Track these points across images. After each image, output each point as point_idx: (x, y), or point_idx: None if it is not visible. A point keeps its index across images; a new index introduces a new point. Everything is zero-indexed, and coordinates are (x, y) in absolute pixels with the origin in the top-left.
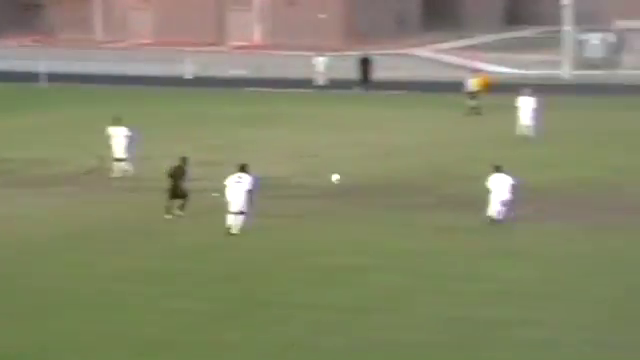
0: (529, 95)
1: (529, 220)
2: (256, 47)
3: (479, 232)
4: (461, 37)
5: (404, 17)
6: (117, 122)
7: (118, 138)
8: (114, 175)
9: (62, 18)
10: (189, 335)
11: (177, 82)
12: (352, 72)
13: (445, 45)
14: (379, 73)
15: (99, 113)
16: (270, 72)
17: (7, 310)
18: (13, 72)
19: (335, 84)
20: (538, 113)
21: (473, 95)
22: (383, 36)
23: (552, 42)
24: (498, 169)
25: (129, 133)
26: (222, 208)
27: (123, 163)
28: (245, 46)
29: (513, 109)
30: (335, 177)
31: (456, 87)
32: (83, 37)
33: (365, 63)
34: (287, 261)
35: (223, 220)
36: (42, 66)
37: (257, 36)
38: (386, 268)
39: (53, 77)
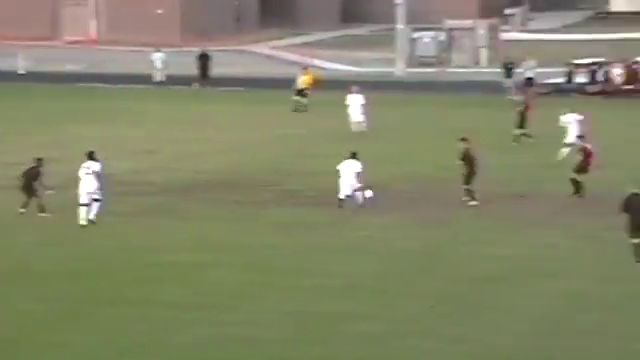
0: (357, 92)
1: (366, 215)
2: (92, 42)
3: (318, 228)
4: (298, 34)
5: (241, 14)
6: None
7: None
8: None
9: None
10: (21, 335)
11: (10, 77)
12: (190, 68)
13: (282, 42)
14: (217, 69)
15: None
16: (107, 68)
17: None
18: None
19: (173, 80)
20: (367, 109)
21: (302, 92)
22: (221, 32)
23: (386, 40)
24: (353, 156)
25: None
26: (62, 205)
27: None
28: (81, 41)
29: (344, 106)
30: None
31: (290, 84)
32: None
33: (203, 59)
34: (128, 258)
35: (64, 217)
36: None
37: (93, 31)
38: (226, 264)
39: None
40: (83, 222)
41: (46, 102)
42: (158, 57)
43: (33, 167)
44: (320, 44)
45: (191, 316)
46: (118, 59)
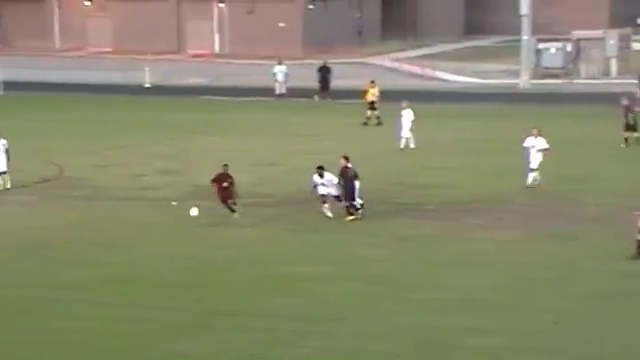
0: (407, 107)
1: (487, 228)
2: (215, 56)
3: (438, 241)
4: (420, 46)
5: (363, 26)
6: None
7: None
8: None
9: (20, 26)
10: (142, 344)
11: (136, 90)
12: (311, 81)
13: (403, 54)
14: (338, 82)
15: (56, 121)
16: (229, 80)
17: None
18: None
19: (294, 93)
20: (416, 125)
21: (372, 105)
22: (343, 45)
23: (510, 52)
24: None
25: (7, 146)
26: (182, 217)
27: (6, 176)
28: (204, 54)
29: (465, 118)
30: (193, 211)
31: (414, 96)
32: (41, 45)
33: (324, 72)
34: (245, 269)
35: (180, 230)
36: None
37: (216, 45)
38: (344, 277)
39: (10, 85)
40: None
41: (169, 114)
42: (279, 70)
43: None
44: (442, 56)
45: (308, 328)
46: (240, 72)
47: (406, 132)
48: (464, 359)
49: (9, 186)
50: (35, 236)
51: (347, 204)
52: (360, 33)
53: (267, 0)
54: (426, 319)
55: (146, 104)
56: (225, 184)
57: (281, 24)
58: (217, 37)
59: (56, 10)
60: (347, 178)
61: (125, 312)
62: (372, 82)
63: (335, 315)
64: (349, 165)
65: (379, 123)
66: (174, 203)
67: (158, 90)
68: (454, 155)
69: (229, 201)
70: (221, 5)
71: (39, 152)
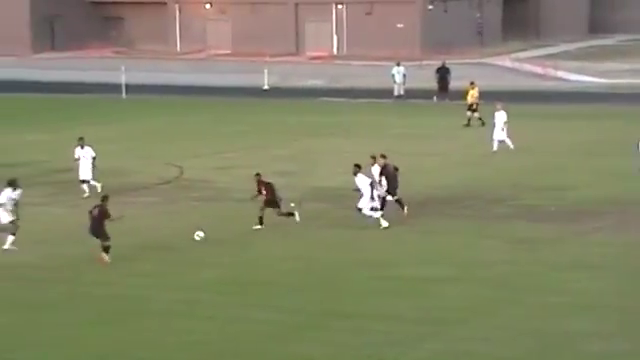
0: (502, 109)
1: (608, 231)
2: (333, 57)
3: (557, 244)
4: (541, 46)
5: (484, 26)
6: (82, 142)
7: (84, 159)
8: (85, 195)
9: (142, 30)
10: (264, 346)
11: (255, 92)
12: (430, 82)
13: (524, 54)
14: (457, 83)
15: (176, 124)
16: (347, 82)
17: (87, 316)
18: (94, 83)
19: (413, 94)
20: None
21: (471, 107)
22: (462, 45)
23: (637, 51)
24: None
25: (94, 154)
26: (300, 218)
27: (87, 185)
28: (322, 56)
29: (581, 118)
30: (198, 235)
31: (534, 96)
32: (162, 48)
33: (443, 73)
34: (362, 271)
35: (299, 231)
36: (122, 77)
37: (334, 46)
38: (461, 279)
39: (132, 88)
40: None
41: (287, 116)
42: (398, 71)
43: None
44: (564, 55)
45: (426, 330)
46: (358, 73)
47: (498, 134)
48: None
49: (87, 195)
50: (157, 237)
51: (396, 198)
52: (480, 33)
53: (386, 1)
54: (545, 323)
55: (264, 106)
56: (264, 192)
57: (400, 25)
58: (335, 38)
59: (177, 13)
60: (390, 174)
61: (244, 313)
62: (472, 83)
63: (453, 318)
64: (387, 162)
65: (482, 124)
66: (292, 204)
67: (276, 92)
68: (571, 156)
69: (277, 209)
70: (339, 6)
71: (160, 154)
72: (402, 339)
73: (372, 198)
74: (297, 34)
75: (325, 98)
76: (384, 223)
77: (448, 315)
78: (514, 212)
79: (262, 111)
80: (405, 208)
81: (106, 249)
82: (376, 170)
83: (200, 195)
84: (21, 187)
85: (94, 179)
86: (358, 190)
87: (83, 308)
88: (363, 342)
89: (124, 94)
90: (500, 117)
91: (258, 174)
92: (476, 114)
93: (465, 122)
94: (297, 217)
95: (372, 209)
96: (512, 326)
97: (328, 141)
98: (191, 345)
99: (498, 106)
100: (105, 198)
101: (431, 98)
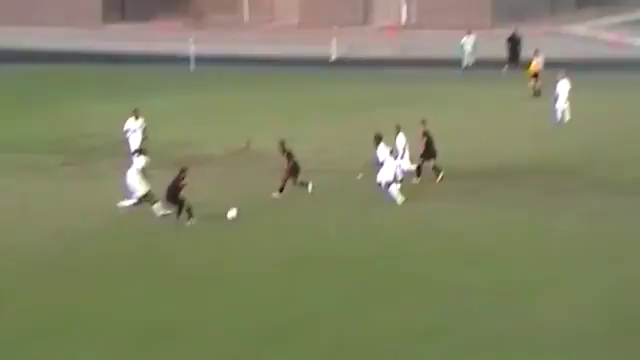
0: (564, 77)
1: None
2: (402, 27)
3: (629, 216)
4: (618, 13)
5: None
6: (136, 114)
7: (135, 131)
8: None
9: (211, 1)
10: (339, 314)
11: (323, 63)
12: (501, 52)
13: (600, 22)
14: (528, 52)
15: (244, 95)
16: (416, 52)
17: (158, 286)
18: (163, 55)
19: (483, 64)
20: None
21: (536, 76)
22: (534, 14)
23: None
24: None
25: (144, 125)
26: (368, 190)
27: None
28: (391, 26)
29: None
30: (231, 213)
31: (608, 65)
32: (231, 19)
33: (513, 42)
34: (433, 243)
35: (366, 204)
36: (190, 49)
37: (403, 16)
38: (530, 253)
39: (200, 59)
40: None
41: (355, 87)
42: (468, 41)
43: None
44: None
45: (494, 302)
46: (427, 43)
47: (562, 104)
48: None
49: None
50: (225, 208)
51: (433, 165)
52: (553, 1)
53: None
54: (618, 297)
55: (332, 77)
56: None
57: None
58: (404, 8)
59: None
60: (431, 140)
61: (313, 286)
62: (536, 52)
63: (523, 290)
64: (427, 129)
65: (539, 94)
66: (360, 176)
67: (344, 63)
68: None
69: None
70: None
71: (227, 126)
72: (473, 311)
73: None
74: (365, 4)
75: (394, 68)
76: (400, 198)
77: (518, 287)
78: (585, 184)
79: (329, 82)
80: (440, 175)
81: (189, 211)
82: (400, 140)
83: (267, 166)
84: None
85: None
86: (378, 164)
87: (154, 278)
88: (434, 313)
89: (192, 65)
90: (563, 86)
91: (283, 142)
92: (539, 82)
93: (532, 92)
94: (310, 188)
95: (388, 184)
96: (583, 299)
97: (396, 111)
98: (262, 317)
99: (561, 75)
100: (184, 170)
101: (501, 68)
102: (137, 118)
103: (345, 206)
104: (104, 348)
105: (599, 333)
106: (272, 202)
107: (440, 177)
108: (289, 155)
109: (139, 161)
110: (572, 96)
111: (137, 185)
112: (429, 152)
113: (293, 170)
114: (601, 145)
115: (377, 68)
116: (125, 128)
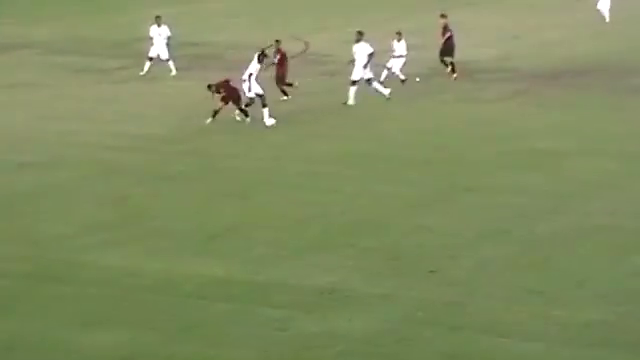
0: None
1: None
2: None
3: None
4: None
5: None
6: (159, 21)
7: (159, 37)
8: (142, 73)
9: None
10: (387, 217)
11: None
12: None
13: None
14: None
15: None
16: None
17: (214, 188)
18: None
19: None
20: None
21: None
22: None
23: None
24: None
25: (169, 33)
26: (424, 93)
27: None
28: None
29: None
30: (270, 122)
31: None
32: None
33: None
34: (490, 145)
35: (423, 106)
36: None
37: None
38: (592, 152)
39: None
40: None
41: None
42: None
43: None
44: None
45: (556, 204)
46: None
47: (604, 4)
48: None
49: (174, 73)
50: (283, 110)
51: (451, 61)
52: None
53: None
54: None
55: None
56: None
57: None
58: None
59: None
60: (450, 35)
61: (369, 186)
62: None
63: (583, 191)
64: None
65: None
66: (417, 79)
67: None
68: None
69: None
70: None
71: (285, 28)
72: (530, 212)
73: (365, 67)
74: None
75: None
76: (385, 91)
77: (578, 189)
78: None
79: None
80: (455, 74)
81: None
82: (400, 46)
83: (326, 69)
84: None
85: (170, 58)
86: (353, 61)
87: (210, 180)
88: (492, 216)
89: None
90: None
91: (278, 40)
92: None
93: None
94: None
95: (369, 80)
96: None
97: (454, 14)
98: (315, 218)
99: None
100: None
101: None
102: (159, 26)
103: (403, 108)
104: (172, 245)
105: None
106: (331, 105)
107: (454, 75)
108: (284, 56)
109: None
110: None
111: None
112: (446, 49)
113: (280, 78)
114: None
115: None
116: (150, 34)
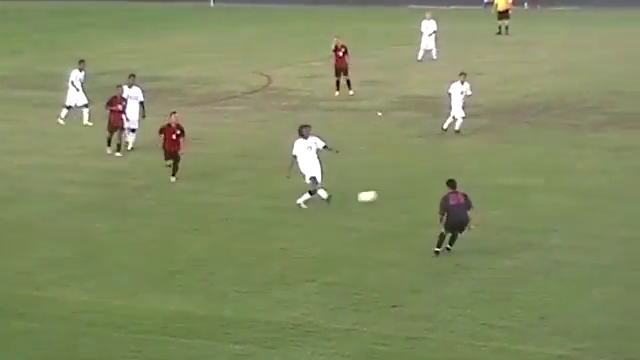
0: (430, 18)
1: None
2: None
3: None
4: None
5: None
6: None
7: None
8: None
9: None
10: (348, 252)
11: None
12: None
13: None
14: None
15: (263, 32)
16: None
17: (177, 223)
18: None
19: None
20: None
21: (503, 14)
22: None
23: None
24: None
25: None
26: (389, 128)
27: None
28: None
29: None
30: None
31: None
32: None
33: None
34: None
35: (385, 141)
36: None
37: None
38: (553, 188)
39: None
40: None
41: (375, 25)
42: None
43: None
44: None
45: (514, 239)
46: None
47: (427, 43)
48: None
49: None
50: (245, 145)
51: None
52: None
53: None
54: (636, 232)
55: (352, 15)
56: (174, 135)
57: None
58: None
59: None
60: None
61: (332, 221)
62: None
63: (543, 227)
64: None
65: (506, 33)
66: (379, 113)
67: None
68: None
69: (174, 160)
70: None
71: (248, 63)
72: (494, 248)
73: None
74: None
75: (414, 5)
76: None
77: (538, 224)
78: (608, 120)
79: (349, 19)
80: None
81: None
82: None
83: (287, 104)
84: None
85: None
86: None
87: (172, 215)
88: (453, 251)
89: (212, 2)
90: (429, 26)
91: (174, 112)
92: (506, 22)
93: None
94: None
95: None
96: (604, 235)
97: (415, 49)
98: (277, 252)
99: (427, 15)
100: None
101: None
102: (81, 70)
103: (366, 143)
104: (133, 280)
105: (616, 267)
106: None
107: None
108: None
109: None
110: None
111: None
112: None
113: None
114: (623, 80)
115: (399, 5)
116: (70, 79)
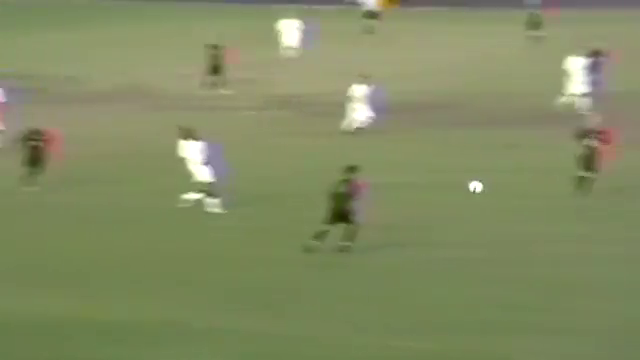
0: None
1: None
2: None
3: (530, 148)
4: None
5: None
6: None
7: None
8: None
9: None
10: (229, 252)
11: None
12: None
13: None
14: None
15: (135, 32)
16: None
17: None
18: None
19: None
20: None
21: (374, 14)
22: None
23: None
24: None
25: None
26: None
27: None
28: None
29: None
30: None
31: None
32: None
33: None
34: (330, 178)
35: (259, 139)
36: None
37: None
38: (430, 185)
39: None
40: None
41: (251, 22)
42: None
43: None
44: None
45: (394, 237)
46: None
47: (291, 41)
48: (545, 267)
49: None
50: (117, 145)
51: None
52: None
53: None
54: (509, 226)
55: (225, 12)
56: (34, 143)
57: None
58: None
59: None
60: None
61: (207, 221)
62: None
63: (422, 225)
64: None
65: (372, 32)
66: (252, 113)
67: None
68: (537, 64)
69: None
70: None
71: (118, 62)
72: (370, 245)
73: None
74: None
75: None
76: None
77: (418, 222)
78: (481, 119)
79: (230, 17)
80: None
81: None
82: None
83: (156, 104)
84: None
85: None
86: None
87: (25, 218)
88: (331, 248)
89: None
90: (290, 25)
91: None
92: (374, 22)
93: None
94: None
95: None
96: (475, 230)
97: (280, 48)
98: (150, 252)
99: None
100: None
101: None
102: None
103: (235, 144)
104: None
105: (491, 262)
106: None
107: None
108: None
109: None
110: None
111: None
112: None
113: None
114: (496, 79)
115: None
116: None
